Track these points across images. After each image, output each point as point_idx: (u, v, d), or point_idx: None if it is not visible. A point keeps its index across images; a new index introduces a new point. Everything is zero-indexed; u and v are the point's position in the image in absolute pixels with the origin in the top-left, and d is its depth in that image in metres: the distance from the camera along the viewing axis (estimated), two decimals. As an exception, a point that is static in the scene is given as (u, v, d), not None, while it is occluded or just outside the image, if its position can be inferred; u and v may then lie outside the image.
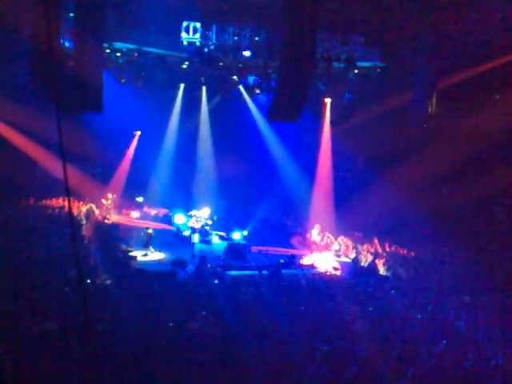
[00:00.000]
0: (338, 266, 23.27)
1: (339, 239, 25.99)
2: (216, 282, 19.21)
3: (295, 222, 29.67)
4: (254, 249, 24.99)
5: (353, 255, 24.71)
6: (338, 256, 25.12)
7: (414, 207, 25.74)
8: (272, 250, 25.59)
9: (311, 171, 30.45)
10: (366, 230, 26.35)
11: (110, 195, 29.13)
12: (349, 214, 26.82)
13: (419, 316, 15.99)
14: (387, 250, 24.02)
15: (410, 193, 25.77)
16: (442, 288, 19.10)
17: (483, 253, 22.41)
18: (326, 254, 24.68)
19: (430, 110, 27.22)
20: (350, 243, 25.60)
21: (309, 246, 26.42)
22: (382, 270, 22.39)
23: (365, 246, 24.62)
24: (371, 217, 26.90)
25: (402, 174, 26.60)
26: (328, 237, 26.31)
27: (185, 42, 23.68)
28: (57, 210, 25.46)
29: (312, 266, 23.25)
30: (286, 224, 29.98)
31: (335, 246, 25.73)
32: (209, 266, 21.53)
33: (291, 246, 26.65)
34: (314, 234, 26.78)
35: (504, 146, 24.74)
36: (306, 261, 23.65)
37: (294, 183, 30.68)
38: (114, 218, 28.02)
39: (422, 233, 25.15)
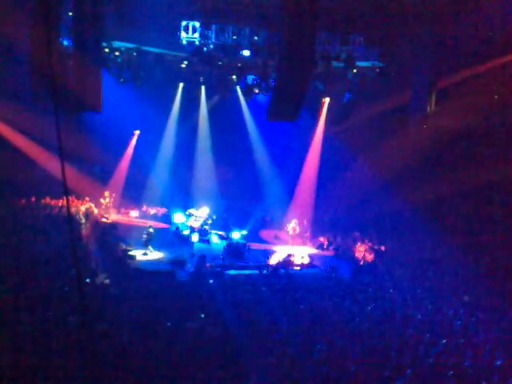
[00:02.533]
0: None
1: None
2: (211, 281, 19.19)
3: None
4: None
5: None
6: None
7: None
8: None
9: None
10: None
11: (106, 194, 29.10)
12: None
13: (419, 316, 16.00)
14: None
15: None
16: (442, 287, 19.13)
17: (478, 248, 22.59)
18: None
19: (429, 109, 27.22)
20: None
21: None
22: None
23: (363, 245, 24.83)
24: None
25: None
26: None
27: (184, 42, 23.59)
28: (56, 210, 25.46)
29: (312, 265, 23.34)
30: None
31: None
32: (208, 265, 21.55)
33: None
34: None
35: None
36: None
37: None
38: (113, 217, 28.01)
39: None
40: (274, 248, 25.57)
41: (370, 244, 25.04)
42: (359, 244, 25.18)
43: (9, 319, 12.70)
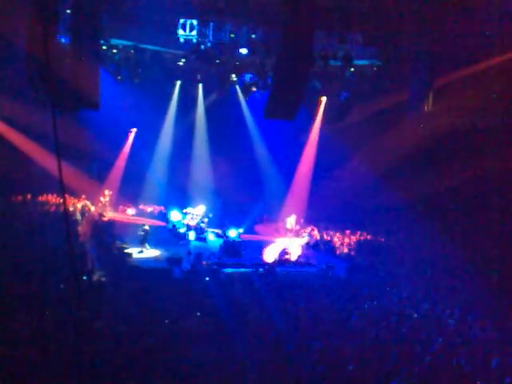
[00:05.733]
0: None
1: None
2: (207, 279, 19.20)
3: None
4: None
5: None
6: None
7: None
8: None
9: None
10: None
11: (106, 192, 29.07)
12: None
13: (415, 315, 16.02)
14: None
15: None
16: (438, 285, 19.17)
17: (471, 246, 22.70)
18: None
19: (426, 108, 27.26)
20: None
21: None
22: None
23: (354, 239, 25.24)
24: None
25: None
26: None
27: (181, 39, 23.63)
28: (52, 207, 25.43)
29: (308, 264, 23.38)
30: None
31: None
32: (204, 263, 21.54)
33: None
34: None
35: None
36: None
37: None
38: (109, 214, 27.97)
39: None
40: (271, 240, 25.69)
41: (363, 238, 25.29)
42: (352, 239, 25.42)
43: (4, 317, 12.67)
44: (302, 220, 28.27)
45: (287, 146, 31.35)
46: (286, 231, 27.55)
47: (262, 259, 23.34)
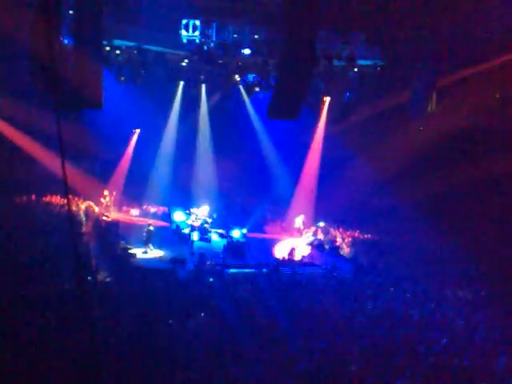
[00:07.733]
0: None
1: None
2: (211, 280, 19.19)
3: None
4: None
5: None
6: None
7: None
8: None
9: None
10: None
11: (106, 192, 29.06)
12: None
13: (418, 315, 16.00)
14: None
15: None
16: (442, 286, 19.14)
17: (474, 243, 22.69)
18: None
19: (429, 108, 27.24)
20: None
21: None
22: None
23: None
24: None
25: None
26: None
27: (184, 40, 23.66)
28: (56, 208, 25.45)
29: (312, 264, 23.35)
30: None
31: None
32: (208, 263, 21.54)
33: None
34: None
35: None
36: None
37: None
38: (113, 215, 28.00)
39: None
40: (277, 238, 25.76)
41: (367, 238, 25.33)
42: (356, 239, 25.47)
43: (8, 318, 12.69)
44: (305, 220, 28.26)
45: (291, 146, 31.35)
46: (294, 231, 27.50)
47: (269, 257, 23.38)
